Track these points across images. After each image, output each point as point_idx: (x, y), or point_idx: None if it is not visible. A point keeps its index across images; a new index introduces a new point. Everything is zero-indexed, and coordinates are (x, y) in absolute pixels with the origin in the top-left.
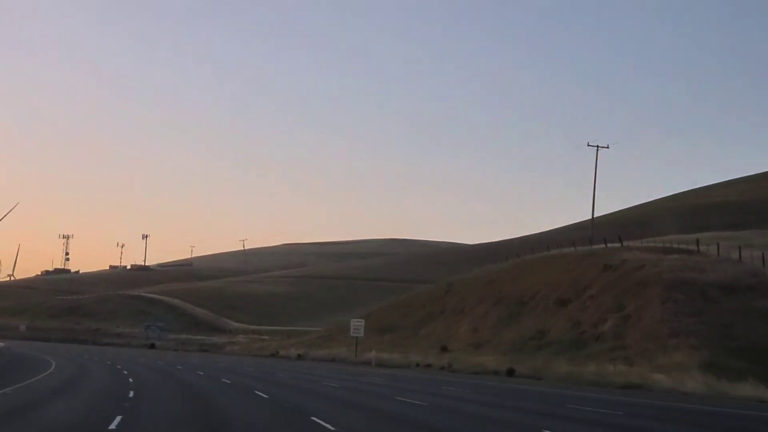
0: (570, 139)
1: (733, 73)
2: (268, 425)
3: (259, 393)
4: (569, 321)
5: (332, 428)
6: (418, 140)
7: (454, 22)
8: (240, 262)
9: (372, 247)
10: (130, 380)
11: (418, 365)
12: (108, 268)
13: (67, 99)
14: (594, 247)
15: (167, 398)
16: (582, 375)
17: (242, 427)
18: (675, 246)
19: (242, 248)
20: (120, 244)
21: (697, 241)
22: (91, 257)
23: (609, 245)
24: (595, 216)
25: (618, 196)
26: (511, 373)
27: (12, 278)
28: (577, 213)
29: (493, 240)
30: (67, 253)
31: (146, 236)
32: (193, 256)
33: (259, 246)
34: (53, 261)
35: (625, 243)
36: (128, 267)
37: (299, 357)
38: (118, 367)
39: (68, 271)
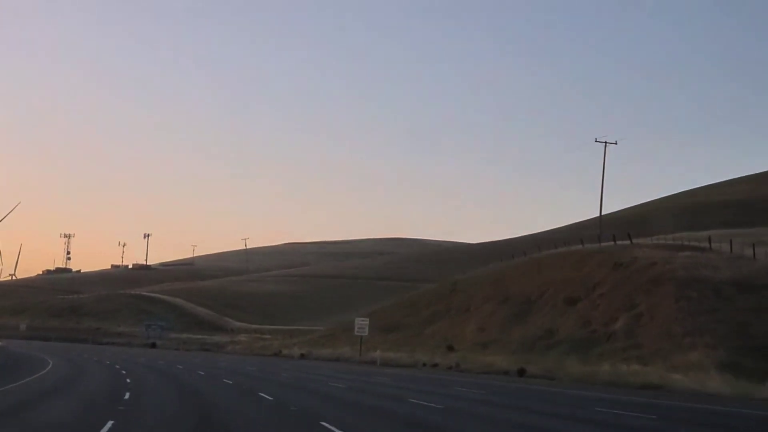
0: (572, 137)
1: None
2: None
3: (264, 395)
4: (579, 320)
5: None
6: (419, 140)
7: (455, 21)
8: (242, 262)
9: (373, 246)
10: (128, 381)
11: (424, 365)
12: (109, 267)
13: (67, 99)
14: (603, 244)
15: (165, 401)
16: (596, 375)
17: None
18: (686, 243)
19: (244, 247)
20: (121, 243)
21: (709, 239)
22: (92, 256)
23: (618, 243)
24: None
25: (620, 195)
26: (522, 373)
27: (13, 278)
28: (580, 212)
29: (496, 239)
30: (68, 253)
31: (148, 235)
32: (195, 255)
33: (261, 245)
34: (54, 260)
35: (634, 240)
36: (130, 266)
37: (302, 356)
38: (117, 366)
39: (69, 270)
